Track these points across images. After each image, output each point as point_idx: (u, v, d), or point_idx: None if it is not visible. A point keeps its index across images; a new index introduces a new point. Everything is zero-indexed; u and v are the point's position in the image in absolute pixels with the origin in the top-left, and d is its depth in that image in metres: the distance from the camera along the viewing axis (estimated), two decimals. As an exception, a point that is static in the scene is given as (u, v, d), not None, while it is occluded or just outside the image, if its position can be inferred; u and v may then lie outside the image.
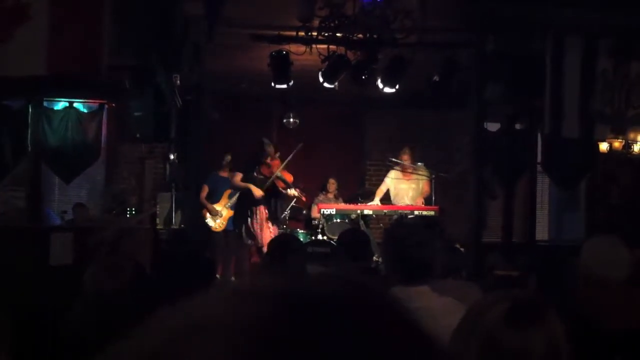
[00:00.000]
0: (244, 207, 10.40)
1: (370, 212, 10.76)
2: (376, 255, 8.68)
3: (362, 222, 10.65)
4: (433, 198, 10.64)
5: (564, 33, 8.01)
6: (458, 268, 4.73)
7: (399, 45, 8.44)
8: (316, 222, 10.65)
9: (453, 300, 3.18)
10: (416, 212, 10.25)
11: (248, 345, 0.55)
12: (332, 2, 7.92)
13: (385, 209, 10.70)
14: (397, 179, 10.88)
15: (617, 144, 11.16)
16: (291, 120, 12.62)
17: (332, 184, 11.38)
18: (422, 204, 10.65)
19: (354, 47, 8.62)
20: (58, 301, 4.30)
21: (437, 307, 3.02)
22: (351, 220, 10.62)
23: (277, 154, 10.47)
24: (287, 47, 8.78)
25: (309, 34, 8.25)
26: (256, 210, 10.22)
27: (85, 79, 6.83)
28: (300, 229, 10.97)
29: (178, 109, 8.23)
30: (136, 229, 7.66)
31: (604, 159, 11.29)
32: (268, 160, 10.33)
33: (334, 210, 10.55)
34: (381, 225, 10.77)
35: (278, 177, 10.25)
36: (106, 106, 9.60)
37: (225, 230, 10.77)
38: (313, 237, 10.33)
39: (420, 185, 10.79)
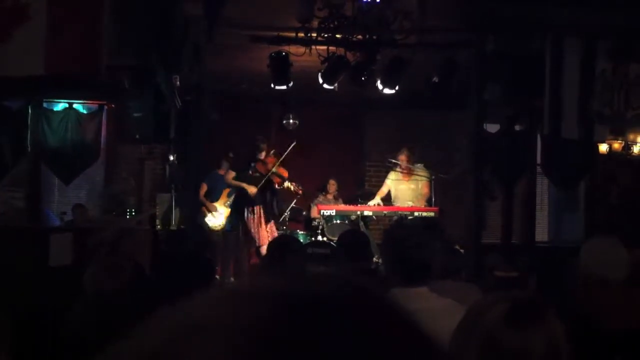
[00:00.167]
0: (240, 207, 10.43)
1: (370, 213, 10.76)
2: (376, 257, 8.68)
3: (361, 223, 10.65)
4: (433, 199, 10.64)
5: (563, 33, 8.02)
6: (458, 269, 4.73)
7: (398, 45, 8.44)
8: (316, 223, 10.65)
9: (453, 301, 3.17)
10: (416, 213, 10.24)
11: (248, 346, 0.55)
12: (331, 2, 7.92)
13: (385, 210, 10.70)
14: (396, 180, 10.88)
15: (617, 145, 11.18)
16: (291, 121, 12.62)
17: (332, 185, 11.39)
18: (424, 205, 10.65)
19: (354, 48, 8.62)
20: (58, 301, 4.30)
21: (437, 308, 3.02)
22: (351, 221, 10.61)
23: (272, 152, 10.52)
24: (286, 48, 8.78)
25: (309, 35, 8.26)
26: (252, 209, 10.25)
27: (84, 79, 6.82)
28: (300, 230, 10.98)
29: (178, 109, 8.23)
30: (135, 229, 7.66)
31: (604, 160, 11.30)
32: (262, 158, 10.38)
33: (334, 211, 10.55)
34: (381, 226, 10.77)
35: (274, 173, 10.30)
36: (106, 107, 9.60)
37: (224, 231, 10.77)
38: (313, 238, 10.33)
39: (420, 186, 10.78)
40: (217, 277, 9.74)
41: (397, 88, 9.21)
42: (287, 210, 11.08)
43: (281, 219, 10.91)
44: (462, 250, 7.06)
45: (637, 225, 10.00)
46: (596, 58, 8.06)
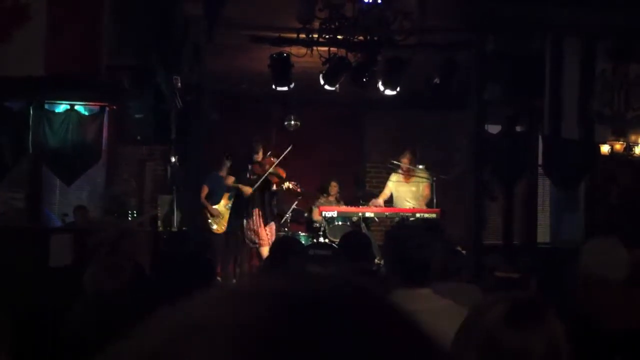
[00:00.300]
0: (239, 209, 10.44)
1: (372, 215, 10.74)
2: (377, 258, 8.68)
3: (363, 225, 10.65)
4: (435, 200, 10.63)
5: (563, 33, 8.02)
6: (459, 270, 4.73)
7: (399, 46, 8.44)
8: (317, 224, 10.66)
9: (453, 302, 3.17)
10: (418, 215, 10.24)
11: (248, 346, 0.55)
12: (332, 3, 7.92)
13: (387, 212, 10.69)
14: (397, 181, 10.88)
15: (619, 146, 11.17)
16: (292, 122, 12.59)
17: (333, 187, 11.35)
18: (424, 207, 10.65)
19: (355, 49, 8.62)
20: (58, 301, 4.30)
21: (438, 309, 3.02)
22: (353, 222, 10.61)
23: (269, 153, 10.54)
24: (287, 49, 8.78)
25: (310, 35, 8.25)
26: (251, 211, 10.27)
27: (85, 80, 6.82)
28: (302, 232, 10.98)
29: (178, 110, 8.22)
30: (136, 230, 7.67)
31: (604, 161, 11.29)
32: (259, 159, 10.40)
33: (335, 212, 10.54)
34: (383, 227, 10.76)
35: (271, 173, 10.31)
36: (107, 108, 9.59)
37: (225, 233, 10.77)
38: (314, 240, 10.34)
39: (421, 188, 10.78)
40: (219, 278, 9.75)
41: (398, 89, 9.20)
42: (289, 212, 11.08)
43: (283, 220, 10.91)
44: (463, 252, 7.07)
45: (637, 226, 9.99)
46: (596, 58, 8.06)
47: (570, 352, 1.97)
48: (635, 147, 11.33)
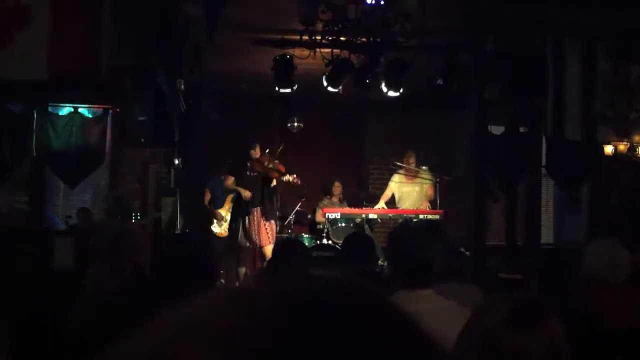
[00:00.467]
0: (239, 211, 10.44)
1: (375, 216, 10.73)
2: (381, 259, 8.68)
3: (366, 226, 10.65)
4: (438, 201, 10.62)
5: (563, 33, 8.01)
6: (461, 271, 4.73)
7: (401, 48, 8.43)
8: (321, 226, 10.65)
9: (456, 303, 3.17)
10: (421, 216, 10.23)
11: (248, 346, 0.55)
12: (334, 5, 7.91)
13: (390, 213, 10.69)
14: (400, 182, 10.88)
15: (622, 147, 11.14)
16: (295, 124, 12.57)
17: (337, 188, 11.33)
18: (428, 207, 10.64)
19: (357, 50, 8.62)
20: (58, 301, 4.30)
21: (441, 309, 3.02)
22: (356, 224, 10.61)
23: (267, 150, 10.56)
24: (290, 51, 8.78)
25: (313, 37, 8.26)
26: (251, 212, 10.27)
27: (86, 81, 6.82)
28: (305, 233, 10.96)
29: (181, 112, 8.22)
30: (137, 230, 7.66)
31: (608, 162, 11.27)
32: (258, 157, 10.42)
33: (339, 214, 10.53)
34: (386, 229, 10.76)
35: (271, 169, 10.32)
36: (110, 111, 9.60)
37: (228, 236, 10.77)
38: (318, 241, 10.34)
39: (424, 189, 10.78)
40: (222, 281, 9.77)
41: (401, 90, 9.20)
42: (292, 214, 11.07)
43: (286, 222, 10.91)
44: (467, 253, 7.07)
45: (639, 227, 9.97)
46: (597, 59, 8.05)
47: (570, 352, 1.97)
48: (639, 147, 11.31)
